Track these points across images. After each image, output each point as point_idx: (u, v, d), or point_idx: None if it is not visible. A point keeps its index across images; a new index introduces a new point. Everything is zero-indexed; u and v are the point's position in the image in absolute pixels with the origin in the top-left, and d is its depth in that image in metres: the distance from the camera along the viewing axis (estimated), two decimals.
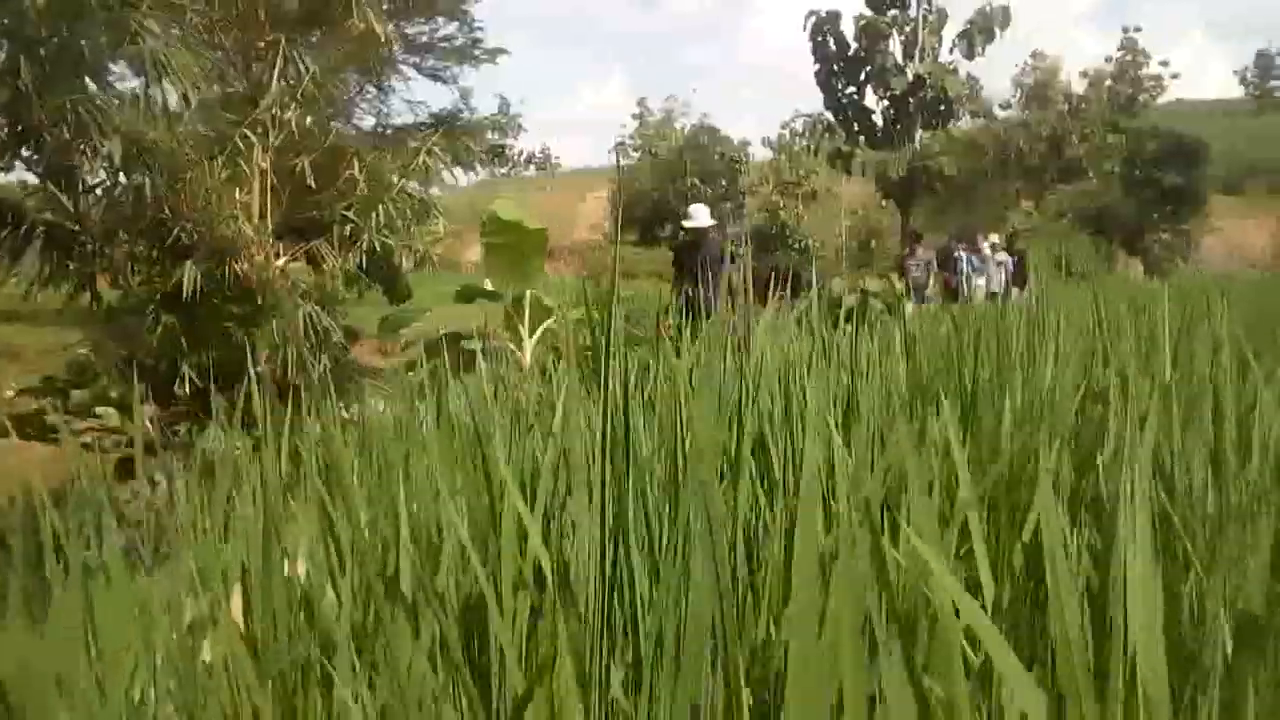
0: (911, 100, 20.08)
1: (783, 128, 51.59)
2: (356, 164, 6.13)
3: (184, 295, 5.17)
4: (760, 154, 52.42)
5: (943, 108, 20.35)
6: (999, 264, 15.39)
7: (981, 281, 14.83)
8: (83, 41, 4.30)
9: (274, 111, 5.74)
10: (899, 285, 14.82)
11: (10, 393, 6.00)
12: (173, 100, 5.01)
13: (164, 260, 5.29)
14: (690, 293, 6.04)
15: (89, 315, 5.64)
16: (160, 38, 4.49)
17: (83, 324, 5.77)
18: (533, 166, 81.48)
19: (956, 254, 15.22)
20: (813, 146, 22.17)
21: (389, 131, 7.04)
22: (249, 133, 5.55)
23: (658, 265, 49.64)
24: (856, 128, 20.87)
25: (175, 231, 5.12)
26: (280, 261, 5.37)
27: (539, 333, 9.27)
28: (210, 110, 5.20)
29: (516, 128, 10.13)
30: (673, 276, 6.98)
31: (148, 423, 6.00)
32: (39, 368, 6.03)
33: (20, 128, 5.21)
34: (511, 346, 9.25)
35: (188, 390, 5.45)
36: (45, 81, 4.46)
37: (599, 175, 64.57)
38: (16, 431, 6.03)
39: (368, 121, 7.98)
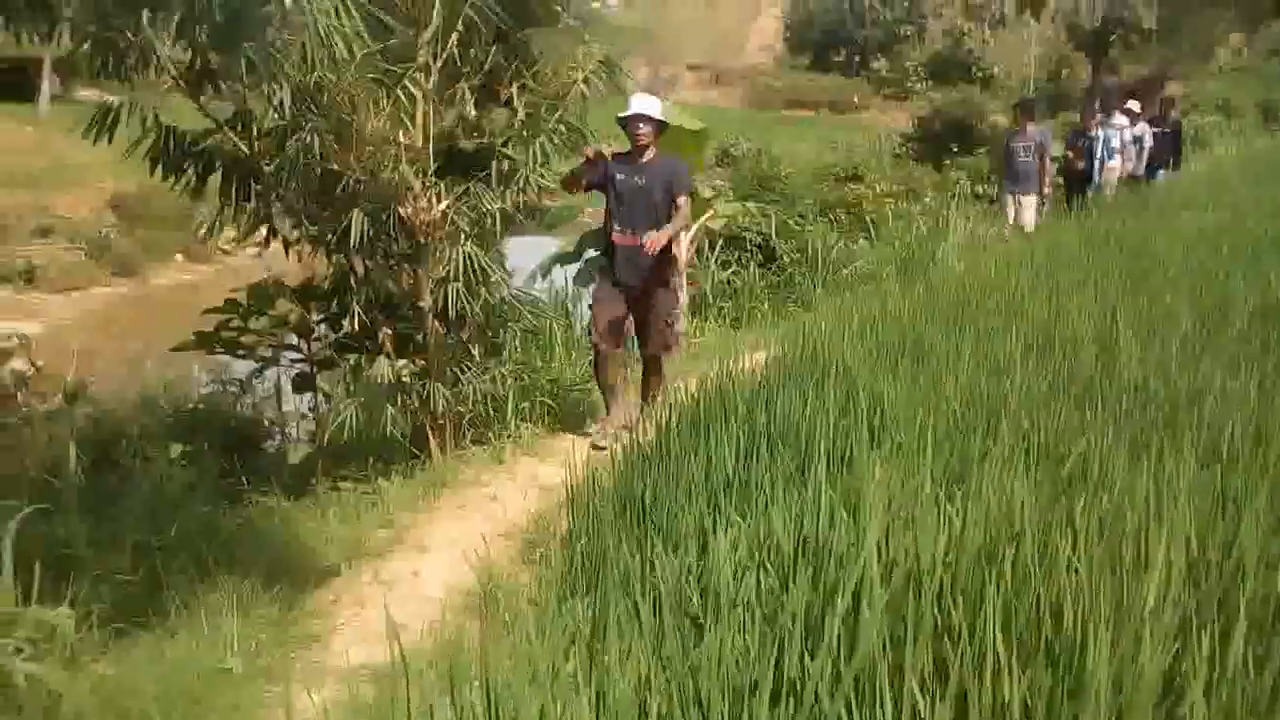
0: None
1: None
2: (515, 91, 6.14)
3: (352, 240, 5.41)
4: None
5: None
6: (1135, 139, 12.97)
7: (1115, 162, 12.52)
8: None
9: (435, 43, 5.79)
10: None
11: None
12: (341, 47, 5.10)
13: (333, 204, 5.52)
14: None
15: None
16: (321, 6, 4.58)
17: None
18: None
19: (1090, 130, 12.75)
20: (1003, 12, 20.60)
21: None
22: (411, 69, 5.63)
23: (830, 94, 47.93)
24: None
25: (344, 179, 5.32)
26: (441, 206, 5.52)
27: (696, 226, 9.27)
28: (373, 50, 5.27)
29: None
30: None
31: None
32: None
33: (199, 73, 5.45)
34: None
35: (356, 324, 5.77)
36: (224, 33, 4.63)
37: None
38: (206, 345, 6.56)
39: None
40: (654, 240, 5.44)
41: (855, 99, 46.51)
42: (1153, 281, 7.12)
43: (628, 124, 5.80)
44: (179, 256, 20.37)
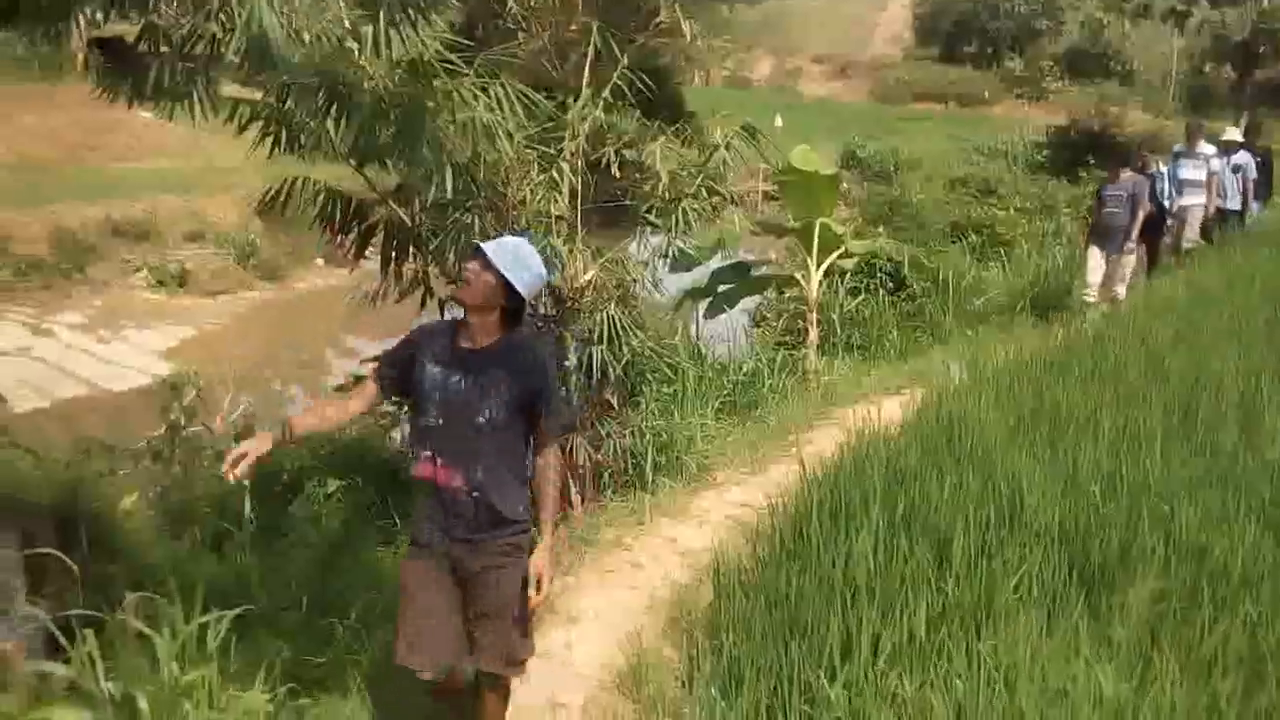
0: None
1: None
2: (658, 155, 6.35)
3: None
4: None
5: None
6: (1235, 168, 11.37)
7: (1195, 200, 11.08)
8: (423, 106, 4.73)
9: (585, 110, 6.04)
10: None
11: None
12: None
13: None
14: None
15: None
16: (480, 103, 4.87)
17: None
18: None
19: (1152, 170, 10.89)
20: (1146, 1, 19.92)
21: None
22: (562, 140, 5.89)
23: (959, 87, 46.92)
24: None
25: None
26: (588, 275, 5.78)
27: (827, 263, 9.36)
28: (526, 125, 5.56)
29: None
30: None
31: None
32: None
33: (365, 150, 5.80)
34: (799, 275, 9.44)
35: None
36: (394, 136, 4.95)
37: None
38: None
39: None
40: (542, 575, 3.26)
41: (985, 94, 45.43)
42: None
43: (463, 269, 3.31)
44: (319, 261, 21.27)
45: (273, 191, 5.95)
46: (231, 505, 6.64)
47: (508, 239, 3.31)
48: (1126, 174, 10.10)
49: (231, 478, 3.08)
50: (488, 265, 3.18)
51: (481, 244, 3.24)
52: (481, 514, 3.23)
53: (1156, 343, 7.35)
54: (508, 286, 3.19)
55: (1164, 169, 11.11)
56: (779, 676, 3.60)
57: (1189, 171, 11.09)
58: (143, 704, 3.13)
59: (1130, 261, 10.18)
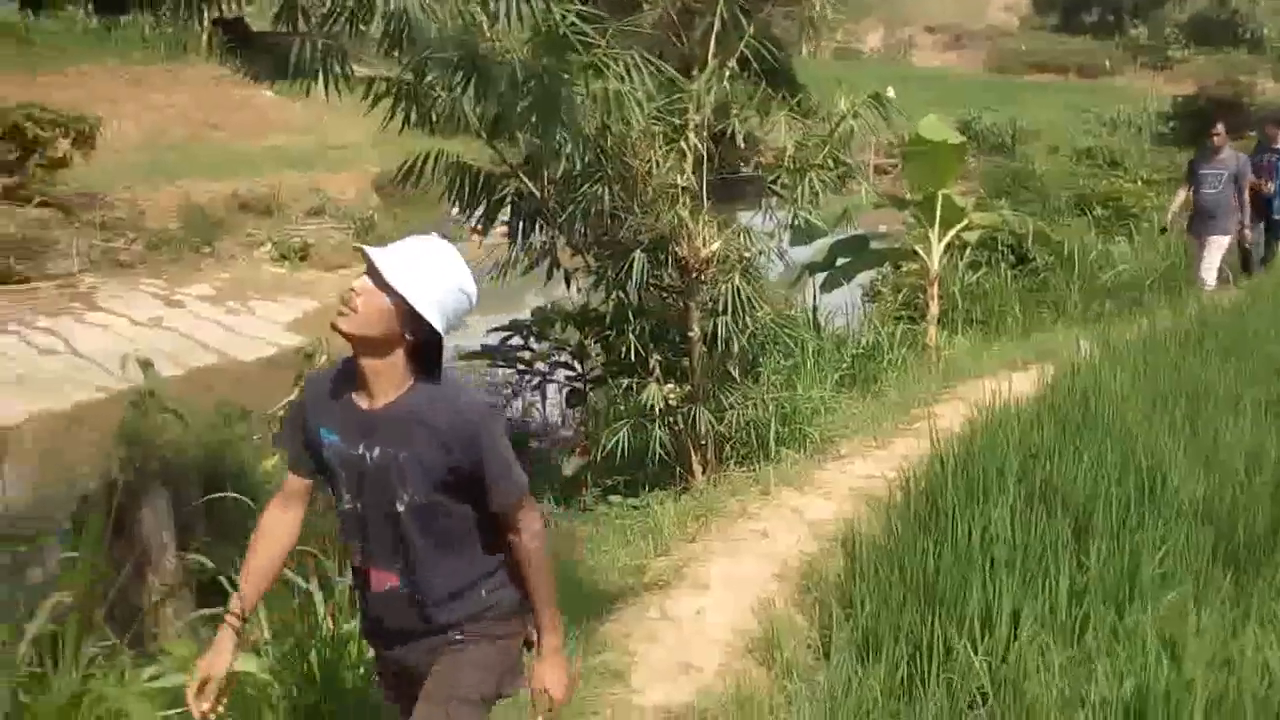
0: None
1: None
2: (784, 123, 6.31)
3: (634, 278, 5.78)
4: None
5: None
6: None
7: None
8: (560, 78, 4.80)
9: (710, 81, 6.05)
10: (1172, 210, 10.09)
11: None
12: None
13: (616, 244, 5.89)
14: None
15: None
16: (611, 73, 4.92)
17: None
18: None
19: (1277, 143, 9.67)
20: None
21: None
22: (688, 110, 5.91)
23: (1079, 57, 45.33)
24: None
25: (626, 224, 5.68)
26: (714, 245, 5.80)
27: (949, 236, 9.20)
28: (655, 95, 5.59)
29: None
30: None
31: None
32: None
33: (495, 122, 5.91)
34: (919, 249, 9.31)
35: (632, 352, 6.14)
36: (529, 107, 5.04)
37: None
38: (490, 358, 7.13)
39: None
40: (549, 690, 2.43)
41: (1107, 63, 43.90)
42: None
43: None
44: (434, 236, 21.70)
45: (406, 166, 6.09)
46: None
47: (411, 241, 2.32)
48: (1226, 149, 9.36)
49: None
50: (380, 282, 2.21)
51: (369, 250, 2.25)
52: (429, 618, 2.38)
53: None
54: (411, 312, 2.22)
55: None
56: (918, 645, 3.59)
57: None
58: (311, 656, 3.27)
59: (1224, 244, 9.31)
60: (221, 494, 5.24)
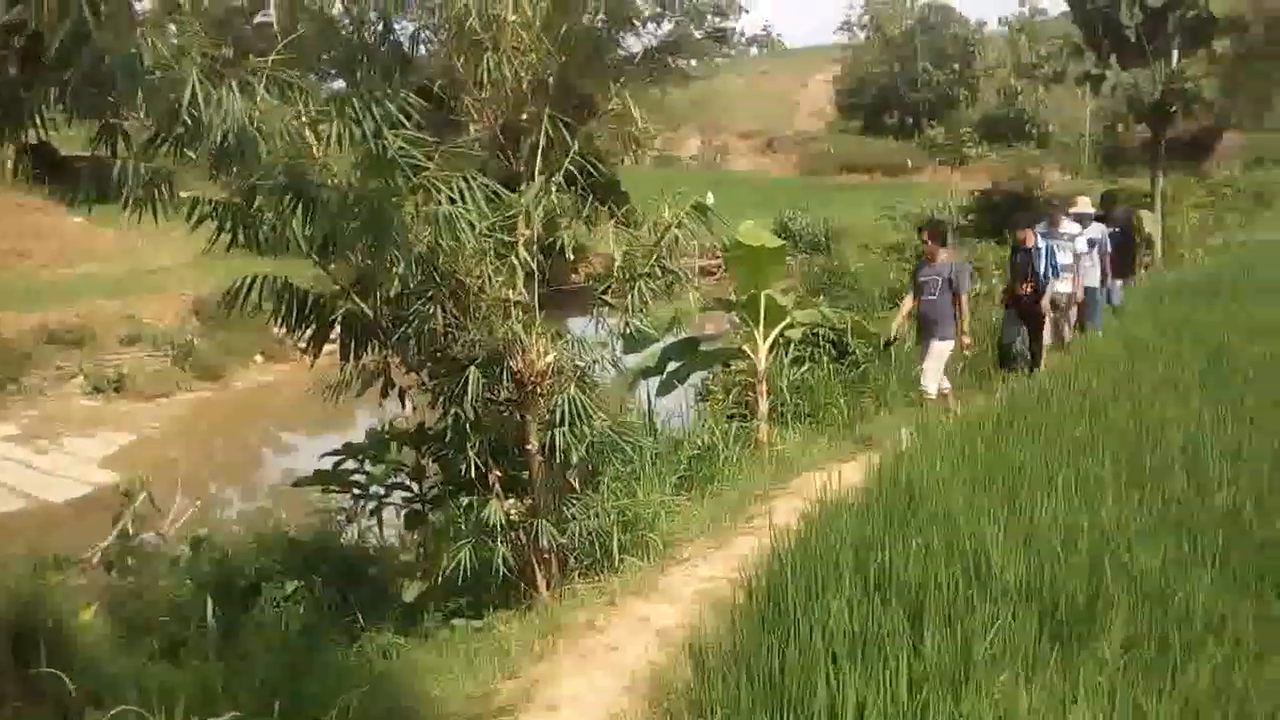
0: (1170, 18, 18.41)
1: (1021, 4, 48.56)
2: (611, 237, 6.47)
3: (469, 395, 5.76)
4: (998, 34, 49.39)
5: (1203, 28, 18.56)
6: (1090, 244, 10.82)
7: (1065, 285, 10.29)
8: (390, 200, 4.81)
9: (539, 196, 6.16)
10: (896, 324, 9.53)
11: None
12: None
13: (449, 360, 5.87)
14: None
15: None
16: (443, 195, 4.97)
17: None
18: (755, 46, 79.56)
19: (1027, 243, 9.74)
20: (1059, 69, 20.76)
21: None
22: (518, 226, 6.00)
23: (883, 157, 48.23)
24: (1106, 44, 19.27)
25: (460, 341, 5.68)
26: (549, 357, 5.84)
27: (774, 334, 9.51)
28: (488, 214, 5.67)
29: (739, 8, 9.82)
30: None
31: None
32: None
33: (324, 244, 5.85)
34: (746, 348, 9.59)
35: (471, 468, 6.09)
36: (360, 229, 5.02)
37: (824, 55, 62.64)
38: (325, 483, 6.93)
39: None
40: None
41: (909, 162, 46.83)
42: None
43: None
44: (258, 357, 21.08)
45: (233, 290, 5.95)
46: (188, 611, 6.52)
47: None
48: (944, 254, 8.92)
49: None
50: None
51: None
52: None
53: (1098, 396, 7.58)
54: None
55: (1042, 244, 9.84)
56: None
57: (1058, 254, 9.98)
58: None
59: (943, 351, 8.89)
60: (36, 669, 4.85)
